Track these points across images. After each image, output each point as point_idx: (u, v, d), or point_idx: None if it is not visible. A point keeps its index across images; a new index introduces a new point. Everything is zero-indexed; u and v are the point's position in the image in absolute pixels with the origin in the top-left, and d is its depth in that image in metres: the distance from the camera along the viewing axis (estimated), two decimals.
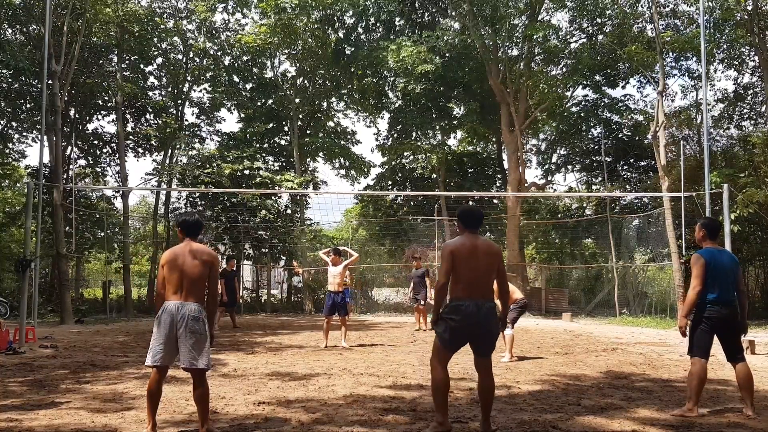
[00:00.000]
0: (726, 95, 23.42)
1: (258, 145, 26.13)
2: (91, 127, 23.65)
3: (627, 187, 23.61)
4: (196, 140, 26.26)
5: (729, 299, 5.17)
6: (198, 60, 24.70)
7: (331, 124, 28.63)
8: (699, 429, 4.73)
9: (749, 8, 18.04)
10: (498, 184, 26.97)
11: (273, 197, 23.65)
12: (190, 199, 23.41)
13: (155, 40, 22.54)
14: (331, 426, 4.75)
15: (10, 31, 19.74)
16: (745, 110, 23.12)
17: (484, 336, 4.46)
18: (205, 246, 4.68)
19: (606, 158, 23.09)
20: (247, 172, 22.85)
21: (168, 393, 5.67)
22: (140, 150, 24.55)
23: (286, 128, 26.31)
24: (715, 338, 5.27)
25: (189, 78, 24.86)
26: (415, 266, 14.48)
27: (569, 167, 27.18)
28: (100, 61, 21.59)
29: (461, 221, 4.69)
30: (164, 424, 4.74)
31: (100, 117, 23.72)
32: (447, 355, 4.51)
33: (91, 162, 23.75)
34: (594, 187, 25.64)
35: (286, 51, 24.80)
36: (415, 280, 14.04)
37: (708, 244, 5.37)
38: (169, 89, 24.99)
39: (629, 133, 25.19)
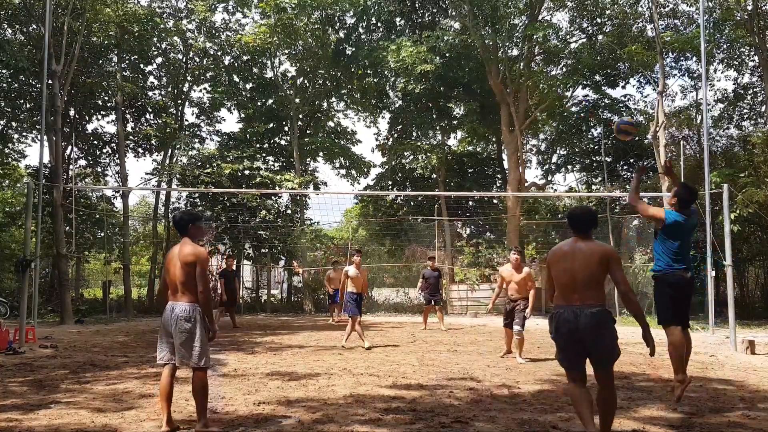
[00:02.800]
0: (726, 95, 23.44)
1: (258, 145, 26.13)
2: (91, 127, 23.70)
3: (627, 187, 23.60)
4: (196, 140, 26.27)
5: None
6: (198, 60, 24.70)
7: (331, 124, 28.63)
8: (699, 429, 4.73)
9: (749, 8, 18.04)
10: (498, 184, 26.97)
11: (273, 197, 23.65)
12: (190, 199, 23.42)
13: (155, 39, 22.54)
14: (332, 426, 4.75)
15: (10, 31, 19.74)
16: (745, 110, 23.13)
17: (593, 345, 4.01)
18: (194, 245, 4.68)
19: (606, 158, 23.09)
20: (247, 172, 22.85)
21: None
22: (140, 150, 24.56)
23: (286, 128, 26.30)
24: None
25: (189, 78, 24.86)
26: (431, 267, 14.40)
27: (569, 167, 27.19)
28: (100, 61, 21.58)
29: (569, 225, 4.33)
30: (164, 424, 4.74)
31: (99, 117, 23.75)
32: (573, 375, 4.14)
33: (91, 162, 23.75)
34: (594, 187, 25.63)
35: (287, 51, 24.79)
36: (432, 280, 13.97)
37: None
38: (169, 89, 24.99)
39: None
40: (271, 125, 26.41)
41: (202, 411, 4.53)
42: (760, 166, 17.61)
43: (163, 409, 4.58)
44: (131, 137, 24.06)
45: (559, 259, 4.18)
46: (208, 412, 4.68)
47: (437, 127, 26.12)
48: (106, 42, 20.81)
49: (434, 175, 25.48)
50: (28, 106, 21.24)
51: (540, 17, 21.16)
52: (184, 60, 24.49)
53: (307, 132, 27.05)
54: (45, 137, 13.43)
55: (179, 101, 25.01)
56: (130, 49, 21.61)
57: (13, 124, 22.29)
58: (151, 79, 24.55)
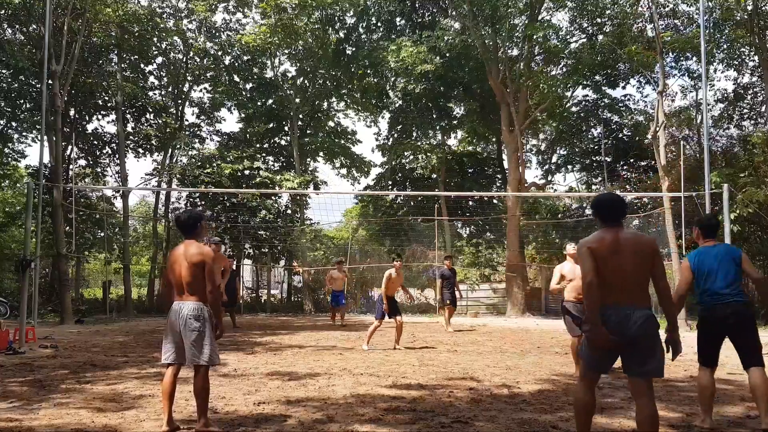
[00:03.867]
0: (726, 95, 23.44)
1: (258, 145, 26.14)
2: (91, 127, 23.72)
3: (627, 187, 23.60)
4: (196, 140, 26.28)
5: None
6: (198, 60, 24.72)
7: (331, 124, 28.66)
8: (699, 429, 4.73)
9: (749, 8, 18.04)
10: (498, 184, 26.98)
11: (273, 197, 23.65)
12: (190, 199, 23.43)
13: (155, 39, 22.55)
14: (332, 426, 4.75)
15: (10, 31, 19.75)
16: (745, 110, 23.13)
17: (640, 349, 3.60)
18: (200, 244, 4.72)
19: (606, 158, 23.08)
20: (247, 172, 22.86)
21: None
22: (140, 150, 24.57)
23: (286, 128, 26.32)
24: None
25: (189, 78, 24.88)
26: (447, 266, 14.39)
27: (569, 167, 27.19)
28: (100, 61, 21.59)
29: (598, 214, 3.87)
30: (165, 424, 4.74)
31: (100, 117, 23.76)
32: (592, 376, 3.85)
33: (91, 162, 23.76)
34: (594, 187, 25.63)
35: (287, 51, 24.81)
36: (452, 280, 14.08)
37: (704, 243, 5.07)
38: (169, 89, 25.00)
39: (629, 133, 25.19)
40: (271, 125, 26.43)
41: (203, 410, 4.55)
42: (760, 166, 17.59)
43: (164, 409, 4.60)
44: (131, 137, 24.06)
45: (608, 253, 3.67)
46: (208, 412, 4.69)
47: (437, 127, 26.13)
48: (106, 42, 20.82)
49: (434, 175, 25.49)
50: (28, 106, 21.25)
51: (540, 17, 21.14)
52: (184, 60, 24.50)
53: (307, 132, 27.07)
54: (45, 137, 13.44)
55: (179, 101, 25.02)
56: (130, 49, 21.62)
57: (13, 124, 22.31)
58: (152, 79, 24.60)
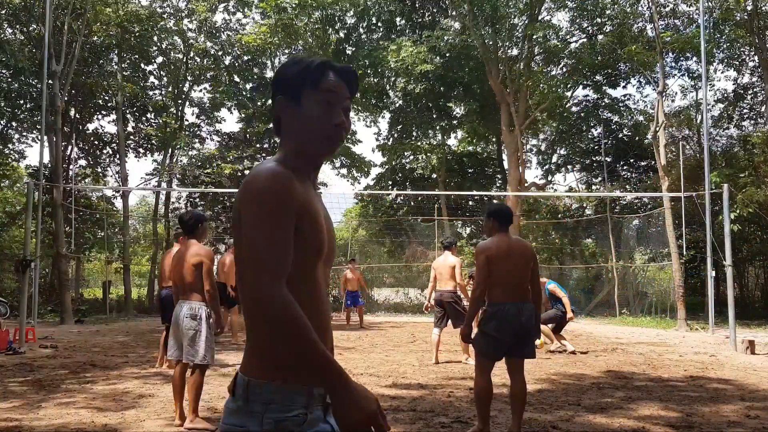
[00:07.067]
0: (726, 95, 23.44)
1: (258, 145, 26.13)
2: (91, 127, 23.68)
3: (627, 187, 23.61)
4: (196, 140, 26.27)
5: None
6: (198, 60, 24.71)
7: None
8: (699, 429, 4.74)
9: (749, 8, 18.05)
10: (498, 184, 26.97)
11: None
12: (190, 199, 23.44)
13: (155, 39, 22.54)
14: None
15: (10, 30, 19.74)
16: (745, 110, 23.15)
17: (525, 338, 4.33)
18: (200, 245, 4.86)
19: (606, 158, 23.09)
20: (247, 172, 22.83)
21: (168, 393, 5.67)
22: (141, 150, 24.56)
23: None
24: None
25: (189, 78, 24.87)
26: None
27: (569, 167, 27.19)
28: (101, 61, 21.58)
29: (496, 220, 4.50)
30: (166, 423, 4.75)
31: (100, 117, 23.72)
32: (490, 364, 4.41)
33: (91, 162, 23.75)
34: (594, 187, 25.63)
35: (287, 51, 24.80)
36: None
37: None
38: (170, 89, 24.99)
39: (629, 133, 25.20)
40: (271, 125, 26.37)
41: (194, 406, 4.67)
42: (760, 166, 17.62)
43: (176, 404, 4.75)
44: (132, 137, 24.06)
45: (502, 257, 4.32)
46: (209, 411, 4.72)
47: (437, 127, 26.12)
48: (106, 42, 20.80)
49: (434, 175, 25.49)
50: (28, 106, 21.22)
51: (540, 17, 21.15)
52: (184, 60, 24.49)
53: None
54: (45, 137, 13.44)
55: (179, 101, 25.01)
56: (130, 49, 21.60)
57: (13, 124, 22.28)
58: (152, 79, 24.56)
